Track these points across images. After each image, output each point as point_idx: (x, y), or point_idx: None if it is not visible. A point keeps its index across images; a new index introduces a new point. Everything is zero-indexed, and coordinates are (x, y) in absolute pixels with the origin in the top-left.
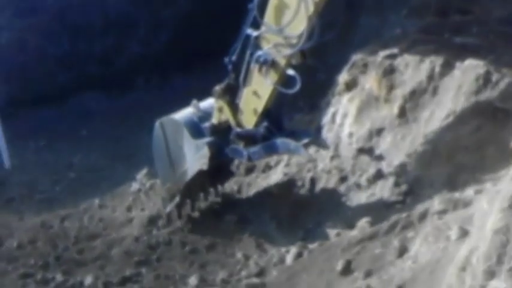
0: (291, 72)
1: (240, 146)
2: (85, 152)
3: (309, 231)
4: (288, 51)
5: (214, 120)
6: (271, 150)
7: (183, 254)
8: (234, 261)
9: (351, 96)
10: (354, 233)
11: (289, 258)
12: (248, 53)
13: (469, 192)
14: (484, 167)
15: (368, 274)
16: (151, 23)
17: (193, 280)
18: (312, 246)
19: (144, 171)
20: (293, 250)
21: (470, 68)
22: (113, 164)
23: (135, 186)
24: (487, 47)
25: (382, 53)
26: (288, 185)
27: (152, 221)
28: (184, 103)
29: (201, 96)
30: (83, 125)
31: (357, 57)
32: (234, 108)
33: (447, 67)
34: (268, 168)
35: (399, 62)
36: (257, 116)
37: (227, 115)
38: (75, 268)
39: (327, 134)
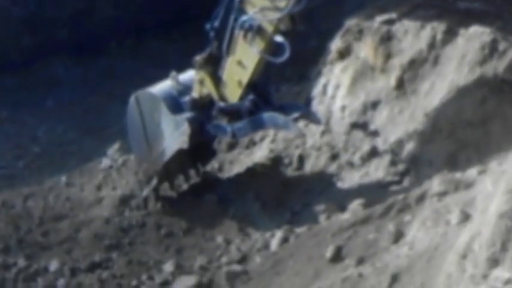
0: (279, 39)
1: (224, 122)
2: (51, 124)
3: (296, 214)
4: (275, 16)
5: (195, 93)
6: (258, 125)
7: (157, 238)
8: (213, 246)
9: (344, 66)
10: (346, 216)
11: (274, 244)
12: (232, 18)
13: (472, 172)
14: (489, 144)
15: (360, 261)
16: None
17: (168, 266)
18: (299, 230)
19: (116, 146)
20: (278, 234)
21: (475, 36)
22: (81, 138)
23: (105, 162)
24: (493, 12)
25: (379, 18)
26: (274, 163)
27: (124, 201)
28: (160, 71)
29: (180, 66)
30: (49, 94)
31: (351, 22)
32: (217, 80)
33: (450, 34)
34: (252, 144)
35: (397, 28)
36: (242, 89)
37: (209, 88)
38: (39, 252)
39: (317, 107)
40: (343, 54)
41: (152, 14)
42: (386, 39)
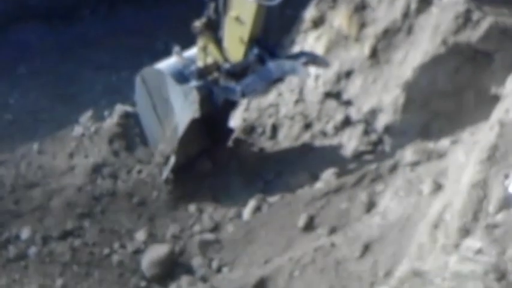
0: None
1: (231, 83)
2: (23, 92)
3: (269, 183)
4: None
5: (200, 62)
6: (266, 76)
7: (130, 206)
8: (186, 215)
9: (318, 35)
10: (318, 186)
11: (246, 213)
12: None
13: (445, 142)
14: (462, 114)
15: (332, 231)
16: None
17: (140, 235)
18: (272, 199)
19: (89, 113)
20: (251, 203)
21: (449, 5)
22: (53, 105)
23: (78, 130)
24: None
25: None
26: (247, 132)
27: (97, 169)
28: (133, 38)
29: (153, 33)
30: (20, 60)
31: None
32: (219, 44)
33: (424, 4)
34: None
35: None
36: (245, 45)
37: (213, 53)
38: (11, 220)
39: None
40: (317, 23)
41: None
42: (361, 8)
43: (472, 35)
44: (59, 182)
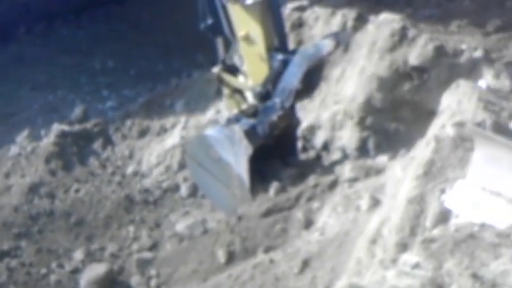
0: None
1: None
2: None
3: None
4: None
5: (235, 110)
6: (295, 71)
7: (67, 226)
8: (124, 234)
9: None
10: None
11: (182, 229)
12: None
13: (382, 158)
14: (399, 130)
15: (269, 248)
16: None
17: (78, 254)
18: (209, 216)
19: (25, 133)
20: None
21: (385, 23)
22: None
23: (14, 149)
24: (403, 0)
25: (290, 5)
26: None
27: (33, 188)
28: (70, 58)
29: (90, 52)
30: None
31: None
32: (239, 75)
33: (360, 21)
34: (163, 131)
35: (308, 15)
36: (265, 60)
37: (239, 85)
38: None
39: None
40: None
41: (62, 0)
42: (298, 25)
43: (408, 52)
44: None
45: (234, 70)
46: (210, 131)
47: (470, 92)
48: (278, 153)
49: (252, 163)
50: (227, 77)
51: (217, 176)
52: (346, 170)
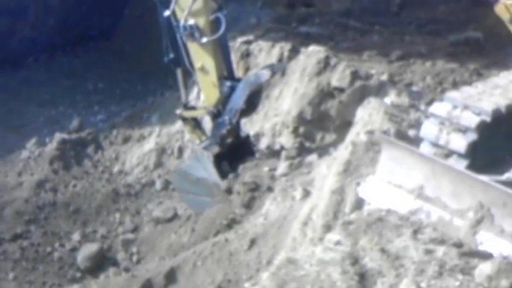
0: (213, 15)
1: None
2: None
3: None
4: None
5: (197, 142)
6: (240, 95)
7: (67, 214)
8: (112, 220)
9: None
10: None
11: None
12: (178, 36)
13: (311, 158)
14: (324, 137)
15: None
16: (41, 10)
17: (76, 236)
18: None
19: (33, 140)
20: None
21: (313, 53)
22: (5, 134)
23: (25, 153)
24: (327, 35)
25: (240, 39)
26: (159, 153)
27: (40, 184)
28: (69, 81)
29: (85, 76)
30: None
31: None
32: (198, 110)
33: (294, 52)
34: (142, 138)
35: (254, 47)
36: (217, 86)
37: (199, 114)
38: None
39: None
40: None
41: (62, 35)
42: (246, 55)
43: (331, 76)
44: (10, 195)
45: (192, 108)
46: (183, 165)
47: (378, 107)
48: (236, 157)
49: (219, 169)
50: (188, 113)
51: (201, 193)
52: (283, 167)
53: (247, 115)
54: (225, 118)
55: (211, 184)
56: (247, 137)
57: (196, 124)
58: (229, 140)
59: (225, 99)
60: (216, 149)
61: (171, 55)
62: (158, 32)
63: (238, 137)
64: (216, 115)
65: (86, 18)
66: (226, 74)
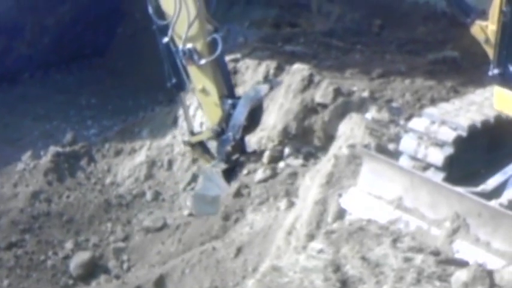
0: (209, 37)
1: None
2: None
3: (165, 201)
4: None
5: (208, 164)
6: (241, 112)
7: (60, 223)
8: (103, 229)
9: None
10: None
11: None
12: (178, 61)
13: (296, 169)
14: (309, 150)
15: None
16: (37, 29)
17: (69, 244)
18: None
19: (29, 153)
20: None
21: (297, 71)
22: (1, 147)
23: (20, 165)
24: (311, 54)
25: (228, 57)
26: (149, 165)
27: (35, 195)
28: (62, 96)
29: (78, 92)
30: None
31: None
32: (203, 133)
33: (279, 70)
34: (133, 151)
35: (241, 65)
36: (219, 105)
37: (206, 136)
38: None
39: (182, 123)
40: None
41: (57, 53)
42: (233, 73)
43: (314, 93)
44: (6, 205)
45: (197, 133)
46: (196, 189)
47: (360, 122)
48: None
49: (229, 182)
50: (195, 138)
51: (220, 209)
52: (259, 173)
53: (250, 131)
54: (228, 135)
55: (216, 196)
56: (254, 152)
57: (203, 149)
58: (234, 156)
59: (227, 117)
60: (223, 166)
61: (173, 80)
62: (149, 50)
63: (244, 152)
64: (220, 133)
65: (80, 37)
66: (227, 93)
